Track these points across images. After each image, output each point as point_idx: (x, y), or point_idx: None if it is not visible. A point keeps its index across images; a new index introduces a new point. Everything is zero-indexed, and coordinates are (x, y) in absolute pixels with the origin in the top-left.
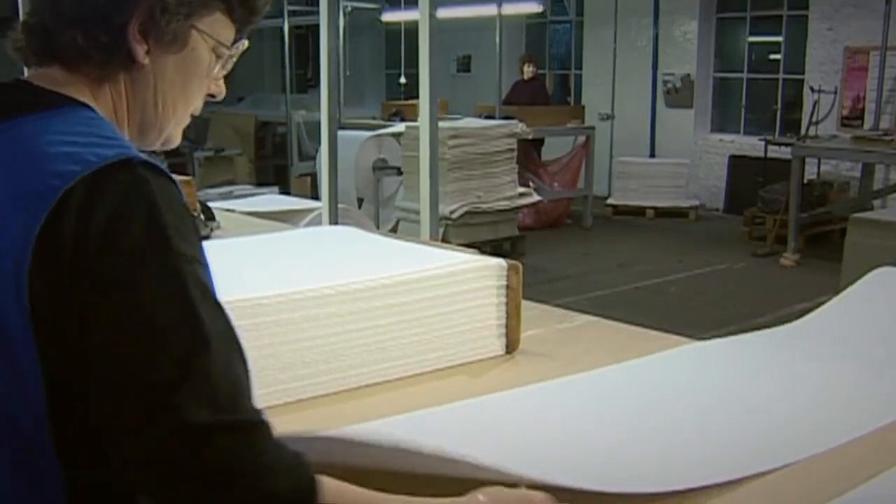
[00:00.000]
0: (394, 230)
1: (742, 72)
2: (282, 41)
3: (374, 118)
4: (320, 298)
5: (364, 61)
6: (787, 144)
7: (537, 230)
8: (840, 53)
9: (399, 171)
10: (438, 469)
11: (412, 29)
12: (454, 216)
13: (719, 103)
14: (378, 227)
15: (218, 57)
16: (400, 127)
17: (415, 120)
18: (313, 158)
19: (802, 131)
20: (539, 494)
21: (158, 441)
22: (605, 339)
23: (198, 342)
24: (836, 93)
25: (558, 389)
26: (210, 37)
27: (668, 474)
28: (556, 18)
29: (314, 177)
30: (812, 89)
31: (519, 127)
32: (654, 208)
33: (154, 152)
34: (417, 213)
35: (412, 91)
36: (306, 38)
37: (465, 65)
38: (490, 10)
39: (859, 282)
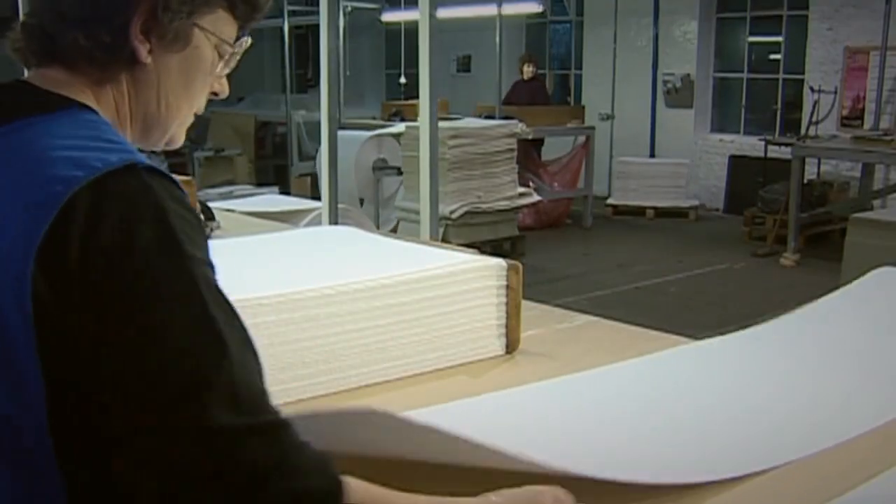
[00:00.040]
0: (394, 230)
1: (742, 72)
2: (282, 41)
3: (374, 118)
4: (320, 298)
5: (364, 61)
6: (787, 144)
7: (537, 230)
8: (840, 53)
9: (399, 171)
10: (450, 456)
11: (412, 29)
12: (454, 216)
13: (719, 103)
14: (378, 227)
15: (221, 55)
16: (400, 127)
17: (415, 120)
18: (313, 158)
19: (802, 131)
20: (549, 490)
21: (184, 448)
22: (605, 339)
23: (216, 346)
24: (836, 93)
25: (562, 386)
26: (213, 34)
27: (677, 466)
28: (556, 18)
29: (314, 177)
30: (812, 89)
31: (519, 127)
32: (654, 208)
33: (154, 152)
34: (417, 213)
35: (412, 91)
36: (306, 38)
37: (465, 65)
38: (490, 10)
39: (858, 280)
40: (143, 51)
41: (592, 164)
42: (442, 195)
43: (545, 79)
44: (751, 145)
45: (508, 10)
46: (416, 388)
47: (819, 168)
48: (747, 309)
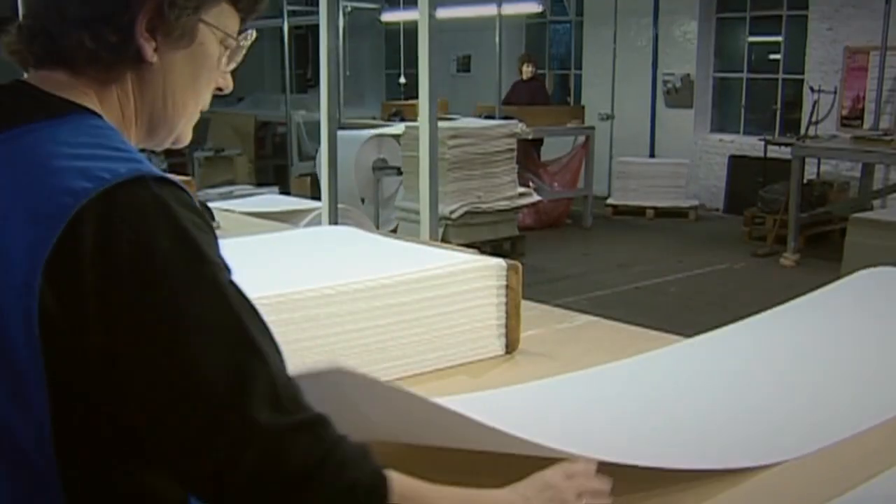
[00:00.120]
0: (394, 230)
1: (742, 72)
2: (282, 41)
3: (374, 118)
4: (320, 298)
5: (364, 61)
6: (786, 144)
7: (537, 230)
8: (840, 53)
9: (399, 171)
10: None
11: (412, 29)
12: (454, 216)
13: (719, 103)
14: (378, 227)
15: (227, 49)
16: (400, 127)
17: (415, 120)
18: (313, 158)
19: (802, 131)
20: (553, 471)
21: (231, 452)
22: (605, 339)
23: (251, 351)
24: (835, 93)
25: (562, 382)
26: (218, 29)
27: (684, 452)
28: (556, 18)
29: (314, 177)
30: (812, 89)
31: (519, 127)
32: (654, 208)
33: (153, 152)
34: (417, 213)
35: (412, 91)
36: (306, 38)
37: (464, 65)
38: (490, 10)
39: (848, 278)
40: (148, 49)
41: (592, 164)
42: (442, 195)
43: (545, 79)
44: (751, 145)
45: (508, 10)
46: (417, 388)
47: (819, 168)
48: (747, 309)
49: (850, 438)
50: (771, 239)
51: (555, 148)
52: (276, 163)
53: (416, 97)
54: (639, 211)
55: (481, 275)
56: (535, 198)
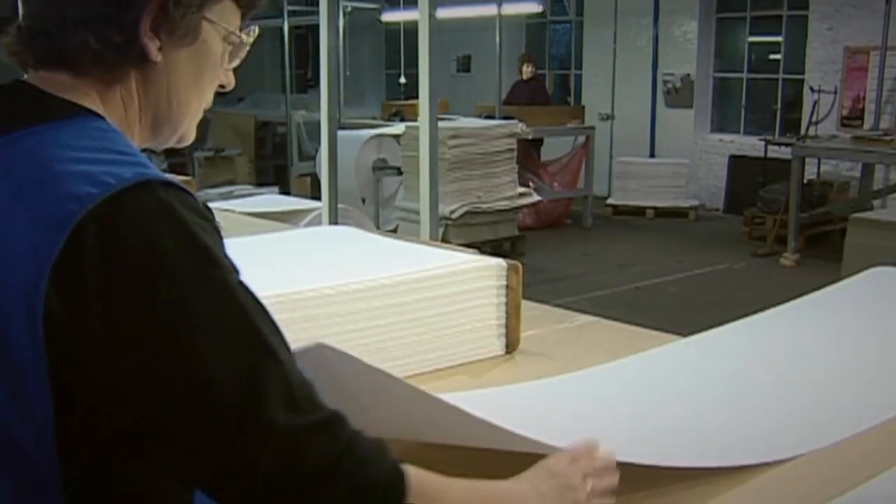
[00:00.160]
0: (394, 230)
1: (742, 72)
2: (282, 41)
3: (374, 118)
4: (320, 298)
5: (364, 61)
6: (787, 144)
7: (537, 230)
8: (840, 53)
9: (399, 171)
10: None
11: (412, 29)
12: (454, 216)
13: (719, 103)
14: (378, 227)
15: (230, 45)
16: (400, 127)
17: (415, 120)
18: (313, 158)
19: (802, 131)
20: (557, 457)
21: (250, 455)
22: (605, 339)
23: (262, 349)
24: (836, 93)
25: (562, 381)
26: (221, 26)
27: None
28: (556, 18)
29: (314, 177)
30: (812, 89)
31: (519, 127)
32: (654, 208)
33: (153, 152)
34: (417, 213)
35: (412, 91)
36: (306, 38)
37: (465, 65)
38: (490, 10)
39: (851, 278)
40: (153, 49)
41: (592, 164)
42: (442, 195)
43: (545, 79)
44: (751, 145)
45: (508, 10)
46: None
47: (819, 168)
48: (747, 309)
49: (850, 438)
50: (771, 239)
51: (555, 148)
52: (276, 163)
53: (416, 97)
54: (639, 211)
55: (481, 275)
56: (535, 198)
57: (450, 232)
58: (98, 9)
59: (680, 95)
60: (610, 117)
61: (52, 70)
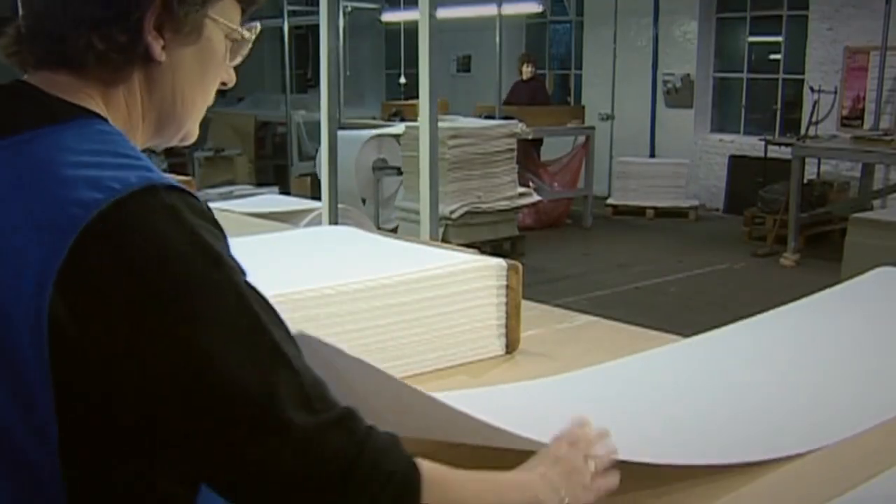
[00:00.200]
0: (394, 230)
1: (742, 72)
2: (282, 41)
3: (374, 118)
4: (320, 298)
5: (364, 61)
6: (787, 144)
7: (537, 230)
8: (840, 53)
9: (399, 171)
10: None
11: (412, 29)
12: (454, 216)
13: (719, 103)
14: (378, 227)
15: (232, 42)
16: (400, 127)
17: (415, 120)
18: (313, 158)
19: (802, 131)
20: (558, 445)
21: (268, 456)
22: (605, 339)
23: (273, 349)
24: (836, 93)
25: (562, 380)
26: (224, 23)
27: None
28: (556, 18)
29: (314, 177)
30: (812, 89)
31: (519, 127)
32: (654, 208)
33: (153, 152)
34: (417, 213)
35: (412, 91)
36: (306, 38)
37: (465, 65)
38: (490, 10)
39: (857, 278)
40: (157, 48)
41: (592, 164)
42: (442, 195)
43: (545, 79)
44: (751, 145)
45: (508, 10)
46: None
47: (819, 168)
48: (747, 309)
49: (850, 438)
50: (771, 239)
51: (555, 148)
52: (276, 163)
53: (416, 97)
54: (639, 211)
55: (481, 275)
56: (535, 198)
57: (450, 232)
58: (101, 8)
59: (680, 95)
60: (610, 117)
61: (53, 71)
